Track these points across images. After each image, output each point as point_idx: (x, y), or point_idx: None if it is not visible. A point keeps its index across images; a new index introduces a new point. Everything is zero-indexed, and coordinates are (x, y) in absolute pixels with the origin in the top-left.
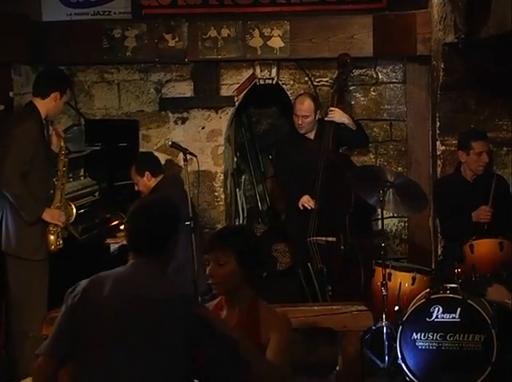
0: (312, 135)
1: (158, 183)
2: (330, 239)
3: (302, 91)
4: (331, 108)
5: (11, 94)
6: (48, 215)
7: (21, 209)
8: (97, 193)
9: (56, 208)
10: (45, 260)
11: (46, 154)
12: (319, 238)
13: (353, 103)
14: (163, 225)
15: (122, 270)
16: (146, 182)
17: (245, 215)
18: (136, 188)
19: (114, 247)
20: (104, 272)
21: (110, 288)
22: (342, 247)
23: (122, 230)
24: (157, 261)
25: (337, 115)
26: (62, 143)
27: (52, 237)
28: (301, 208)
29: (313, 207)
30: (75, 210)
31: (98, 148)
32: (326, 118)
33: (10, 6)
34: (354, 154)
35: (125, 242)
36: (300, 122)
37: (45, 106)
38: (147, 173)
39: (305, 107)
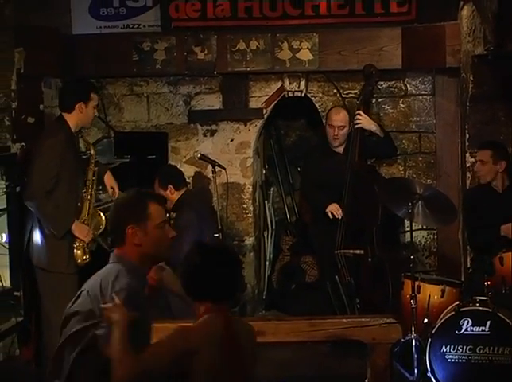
0: (341, 149)
1: (181, 196)
2: (357, 251)
3: (331, 104)
4: (359, 112)
5: (41, 107)
6: (77, 228)
7: (49, 225)
8: None
9: (83, 223)
10: (74, 274)
11: (75, 166)
12: (346, 251)
13: (382, 115)
14: None
15: None
16: (169, 196)
17: (273, 227)
18: None
19: None
20: None
21: None
22: (369, 260)
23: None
24: None
25: (364, 121)
26: (92, 152)
27: (78, 252)
28: (330, 215)
29: (341, 216)
30: (104, 218)
31: (128, 160)
32: (354, 126)
33: (41, 20)
34: (382, 166)
35: None
36: (335, 133)
37: (73, 118)
38: (170, 186)
39: (341, 117)
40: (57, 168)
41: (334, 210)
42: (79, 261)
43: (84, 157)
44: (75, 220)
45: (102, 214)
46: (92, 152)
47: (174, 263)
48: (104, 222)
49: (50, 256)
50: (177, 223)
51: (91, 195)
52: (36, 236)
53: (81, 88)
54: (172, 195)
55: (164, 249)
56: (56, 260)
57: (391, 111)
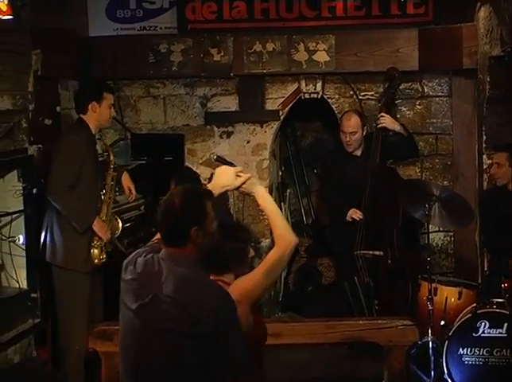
0: (358, 152)
1: None
2: (377, 252)
3: (347, 105)
4: (382, 114)
5: (58, 109)
6: (98, 225)
7: (72, 219)
8: (143, 207)
9: (104, 221)
10: (90, 274)
11: (95, 168)
12: (366, 251)
13: (398, 116)
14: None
15: None
16: None
17: None
18: None
19: None
20: None
21: None
22: (389, 261)
23: None
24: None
25: (388, 121)
26: (111, 157)
27: (95, 251)
28: (350, 220)
29: (361, 218)
30: (121, 224)
31: (144, 162)
32: (378, 126)
33: (57, 22)
34: (399, 168)
35: None
36: (347, 140)
37: (91, 119)
38: None
39: (352, 123)
40: (79, 163)
41: (354, 214)
42: (95, 260)
43: (101, 159)
44: (96, 217)
45: (119, 219)
46: (112, 157)
47: None
48: (120, 227)
49: (67, 253)
50: None
51: (109, 198)
52: (54, 234)
53: (93, 88)
54: None
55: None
56: (73, 258)
57: (408, 112)
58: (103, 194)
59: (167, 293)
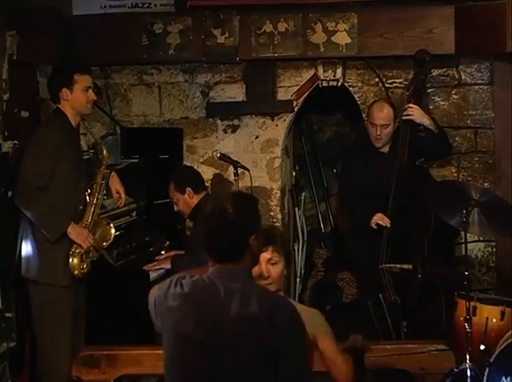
0: (386, 148)
1: (201, 201)
2: (405, 266)
3: (372, 95)
4: (410, 105)
5: (37, 99)
6: (74, 232)
7: (41, 226)
8: (134, 213)
9: (85, 226)
10: (71, 288)
11: (75, 166)
12: (392, 265)
13: (431, 107)
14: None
15: None
16: (188, 200)
17: (305, 238)
18: (175, 208)
19: (153, 275)
20: None
21: None
22: (419, 276)
23: (163, 255)
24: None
25: (417, 113)
26: (105, 152)
27: (75, 260)
28: (374, 227)
29: (388, 225)
30: (113, 230)
31: (136, 161)
32: (403, 117)
33: None
34: (432, 167)
35: (167, 267)
36: (378, 133)
37: (66, 108)
38: (188, 189)
39: (385, 114)
40: (52, 162)
41: (379, 220)
42: (75, 272)
43: (86, 156)
44: (71, 223)
45: (111, 225)
46: (105, 152)
47: None
48: (113, 234)
49: (41, 266)
50: (196, 233)
51: (97, 199)
52: (27, 244)
53: (61, 73)
54: (191, 199)
55: None
56: (49, 271)
57: (442, 103)
58: (89, 195)
59: (234, 314)
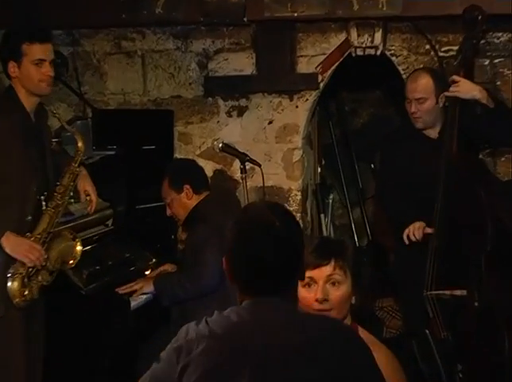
0: (434, 132)
1: (200, 202)
2: (458, 292)
3: (421, 66)
4: (454, 77)
5: None
6: (10, 243)
7: None
8: (110, 222)
9: (34, 240)
10: (10, 320)
11: (26, 163)
12: (441, 291)
13: (498, 82)
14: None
15: None
16: (185, 201)
17: None
18: (168, 211)
19: (135, 302)
20: None
21: None
22: (476, 304)
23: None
24: None
25: (464, 88)
26: (79, 144)
27: (15, 284)
28: (406, 241)
29: (420, 237)
30: (79, 246)
31: (113, 153)
32: (446, 94)
33: None
34: (490, 161)
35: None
36: (413, 110)
37: (17, 86)
38: (187, 187)
39: (420, 86)
40: None
41: (411, 232)
42: (16, 300)
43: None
44: (6, 232)
45: (77, 239)
46: (80, 144)
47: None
48: (79, 251)
49: None
50: (192, 241)
51: (57, 206)
52: None
53: (7, 43)
54: (189, 200)
55: None
56: None
57: (508, 76)
58: (45, 199)
59: (300, 356)
